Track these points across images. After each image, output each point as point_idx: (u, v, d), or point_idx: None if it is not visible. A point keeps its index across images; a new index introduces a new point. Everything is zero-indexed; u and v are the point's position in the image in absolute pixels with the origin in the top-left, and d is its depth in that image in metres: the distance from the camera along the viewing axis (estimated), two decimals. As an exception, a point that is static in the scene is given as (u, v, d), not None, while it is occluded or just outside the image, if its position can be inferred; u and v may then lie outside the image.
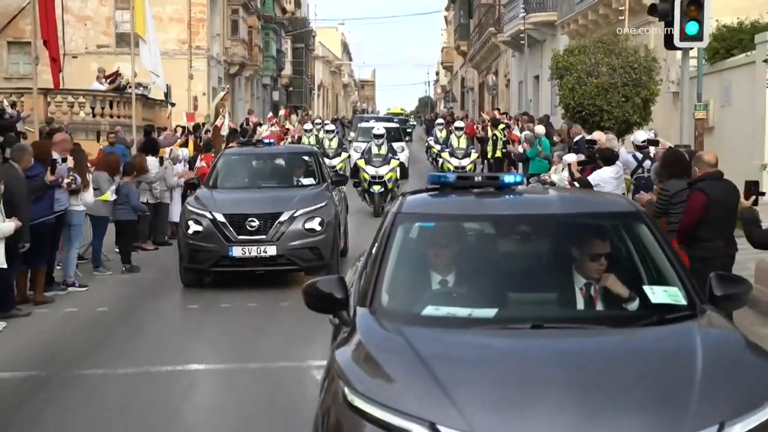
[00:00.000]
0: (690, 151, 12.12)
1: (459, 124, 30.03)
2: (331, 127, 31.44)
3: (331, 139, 29.16)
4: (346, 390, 4.50)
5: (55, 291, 12.59)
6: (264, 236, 12.89)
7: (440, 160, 28.85)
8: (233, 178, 14.83)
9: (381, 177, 22.29)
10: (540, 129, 22.18)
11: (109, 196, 14.05)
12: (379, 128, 24.26)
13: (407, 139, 42.17)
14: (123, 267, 14.40)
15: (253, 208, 13.16)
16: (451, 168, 26.77)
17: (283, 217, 13.02)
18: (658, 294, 5.27)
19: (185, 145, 20.48)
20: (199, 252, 12.96)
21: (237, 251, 12.84)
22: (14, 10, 43.19)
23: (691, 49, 16.15)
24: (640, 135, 14.73)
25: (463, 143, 27.68)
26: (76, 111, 31.10)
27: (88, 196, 13.08)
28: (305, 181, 14.77)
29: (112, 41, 44.57)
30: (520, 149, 22.82)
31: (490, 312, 5.23)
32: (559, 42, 36.02)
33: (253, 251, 12.88)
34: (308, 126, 33.47)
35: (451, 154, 27.36)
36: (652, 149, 13.72)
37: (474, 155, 28.18)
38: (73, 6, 44.12)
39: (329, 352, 5.12)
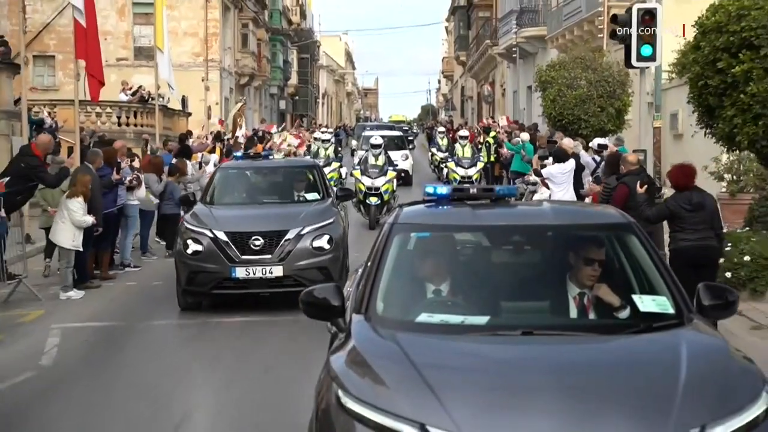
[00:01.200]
0: (624, 155, 14.88)
1: (463, 132, 29.82)
2: (327, 136, 31.66)
3: (326, 149, 29.17)
4: (340, 393, 4.68)
5: (114, 270, 15.35)
6: (269, 256, 12.09)
7: (445, 170, 28.70)
8: (232, 193, 14.11)
9: (377, 189, 21.34)
10: (525, 136, 24.95)
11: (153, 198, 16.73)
12: (377, 138, 23.45)
13: (410, 146, 41.49)
14: (167, 252, 17.12)
15: (256, 225, 12.37)
16: (457, 178, 26.61)
17: (290, 235, 12.23)
18: (647, 303, 5.44)
19: (213, 150, 23.25)
20: (199, 273, 12.12)
21: (240, 272, 12.02)
22: (39, 26, 45.94)
23: (647, 67, 18.84)
24: (596, 141, 17.47)
25: (468, 152, 27.54)
26: (103, 120, 33.83)
27: (141, 192, 15.84)
28: (309, 196, 13.93)
29: (131, 54, 47.24)
30: (506, 151, 25.64)
31: (482, 319, 5.40)
32: (549, 55, 38.71)
33: (258, 272, 12.07)
34: (317, 134, 33.76)
35: (457, 164, 27.30)
36: (605, 152, 16.49)
37: (480, 164, 27.61)
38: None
39: (326, 358, 5.26)
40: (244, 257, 12.03)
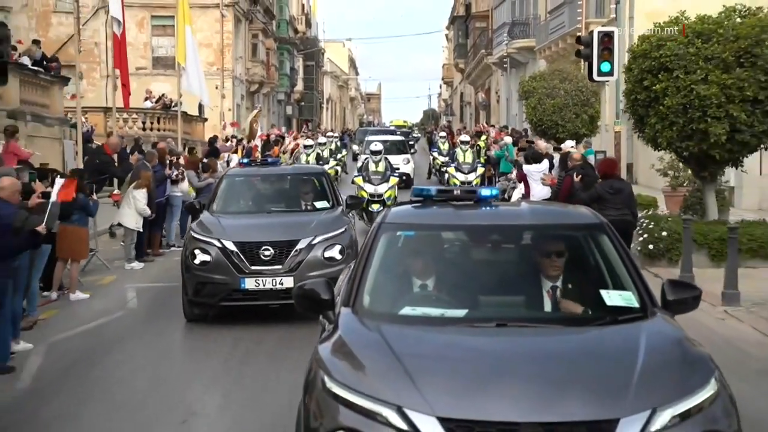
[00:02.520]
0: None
1: (464, 138, 30.27)
2: (323, 139, 33.57)
3: (322, 151, 30.74)
4: (326, 378, 5.06)
5: (162, 249, 18.69)
6: (279, 266, 11.76)
7: (446, 175, 29.19)
8: (239, 201, 13.87)
9: (380, 195, 21.28)
10: (508, 139, 28.31)
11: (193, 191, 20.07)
12: (377, 144, 23.26)
13: (412, 151, 42.61)
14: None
15: (266, 235, 12.03)
16: (457, 183, 26.87)
17: (301, 245, 11.90)
18: (613, 297, 5.82)
19: (235, 152, 26.63)
20: (207, 284, 11.82)
21: (250, 283, 11.70)
22: (64, 38, 49.33)
23: (606, 81, 22.15)
24: (567, 143, 20.78)
25: (468, 158, 27.82)
26: (130, 125, 37.18)
27: (184, 185, 19.20)
28: (318, 204, 13.61)
29: (149, 63, 50.57)
30: (493, 153, 29.00)
31: (460, 312, 5.74)
32: (538, 65, 42.10)
33: (268, 283, 11.72)
34: (309, 141, 32.86)
35: (457, 169, 27.63)
36: (560, 153, 19.85)
37: (481, 170, 27.87)
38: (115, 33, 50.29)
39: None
40: (253, 268, 11.70)
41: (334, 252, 11.93)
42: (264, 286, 11.70)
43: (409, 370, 4.94)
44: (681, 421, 4.73)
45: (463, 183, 26.85)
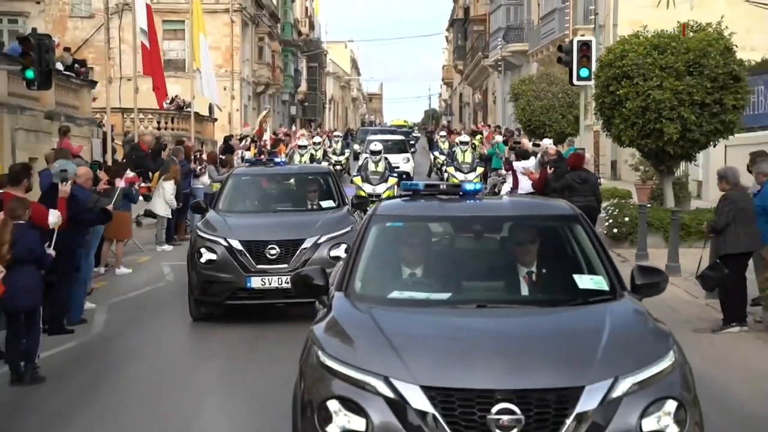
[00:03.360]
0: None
1: (464, 138, 30.93)
2: (318, 139, 34.81)
3: (316, 150, 31.53)
4: (320, 353, 5.54)
5: (186, 235, 21.04)
6: (285, 265, 11.84)
7: (446, 174, 29.46)
8: (245, 201, 14.00)
9: (378, 195, 21.08)
10: (499, 138, 30.62)
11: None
12: (376, 144, 23.32)
13: (412, 150, 43.34)
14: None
15: (272, 234, 12.19)
16: (457, 182, 28.65)
17: (306, 244, 12.06)
18: (585, 281, 6.29)
19: (248, 149, 28.98)
20: (214, 283, 11.96)
21: (256, 282, 11.83)
22: (80, 41, 51.71)
23: (585, 85, 24.44)
24: (545, 141, 23.10)
25: (468, 158, 28.20)
26: (146, 125, 39.53)
27: (205, 179, 21.55)
28: (324, 203, 13.73)
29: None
30: (485, 151, 31.35)
31: (444, 295, 6.24)
32: (531, 67, 44.45)
33: (274, 282, 11.84)
34: (303, 142, 32.32)
35: (456, 169, 27.99)
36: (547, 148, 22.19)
37: (480, 169, 28.11)
38: (128, 37, 52.49)
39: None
40: (259, 266, 11.84)
41: (340, 251, 11.84)
42: (270, 284, 11.81)
43: (395, 345, 5.42)
44: (640, 388, 5.22)
45: (462, 182, 28.24)
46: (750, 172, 12.06)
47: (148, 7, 31.56)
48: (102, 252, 15.88)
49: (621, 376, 5.22)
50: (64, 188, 10.30)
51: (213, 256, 11.96)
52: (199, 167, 20.86)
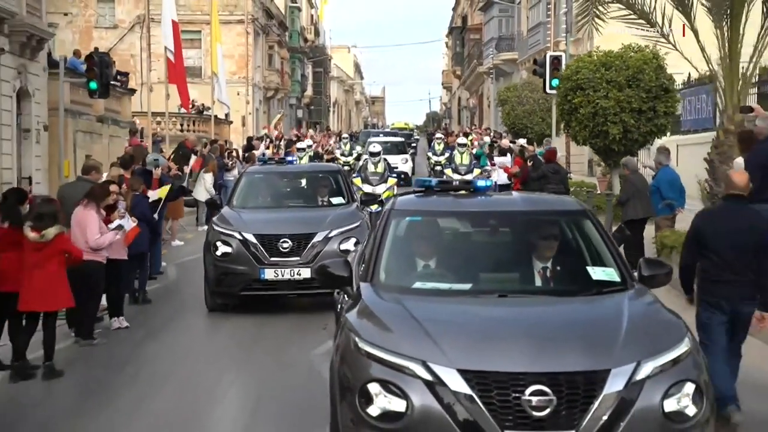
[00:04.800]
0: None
1: (462, 140, 32.04)
2: (309, 142, 35.35)
3: (301, 158, 30.12)
4: (357, 339, 5.91)
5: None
6: (297, 258, 12.45)
7: (443, 176, 29.06)
8: (259, 197, 14.59)
9: (378, 196, 21.30)
10: (486, 138, 34.82)
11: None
12: (375, 146, 24.09)
13: (411, 151, 45.23)
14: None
15: (285, 228, 12.75)
16: None
17: (317, 238, 12.64)
18: (597, 273, 6.70)
19: (267, 147, 33.13)
20: (229, 275, 12.53)
21: (269, 274, 12.41)
22: (104, 50, 55.77)
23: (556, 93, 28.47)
24: (520, 141, 27.27)
25: (465, 160, 28.94)
26: (170, 128, 43.59)
27: (235, 172, 25.67)
28: (334, 200, 14.35)
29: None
30: (475, 151, 35.49)
31: (465, 286, 6.67)
32: (520, 74, 48.56)
33: (286, 274, 12.41)
34: (302, 144, 33.32)
35: (454, 170, 28.53)
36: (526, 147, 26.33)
37: (477, 171, 28.29)
38: (151, 46, 56.84)
39: (336, 321, 6.76)
40: (272, 259, 12.41)
41: (350, 245, 12.44)
42: (282, 276, 12.42)
43: (429, 332, 5.77)
44: (661, 371, 5.58)
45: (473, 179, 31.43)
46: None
47: (174, 24, 35.65)
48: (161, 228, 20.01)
49: (643, 360, 5.61)
50: (157, 172, 14.41)
51: (228, 249, 12.58)
52: (230, 162, 24.99)
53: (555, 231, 6.98)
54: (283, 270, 12.44)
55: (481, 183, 7.37)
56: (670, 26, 14.72)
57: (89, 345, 10.73)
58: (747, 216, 7.96)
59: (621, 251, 7.04)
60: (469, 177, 27.78)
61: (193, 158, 21.90)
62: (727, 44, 13.70)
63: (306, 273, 12.30)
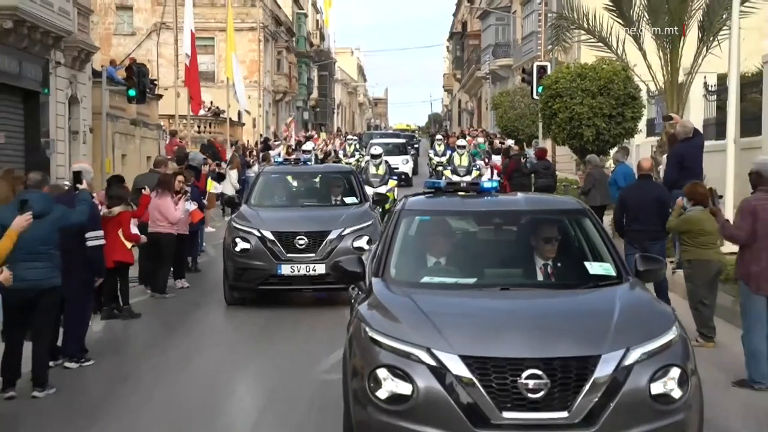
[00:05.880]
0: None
1: (461, 142, 32.90)
2: (311, 144, 35.91)
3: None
4: (367, 329, 6.32)
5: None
6: (313, 254, 13.03)
7: (443, 177, 29.28)
8: (275, 196, 15.11)
9: (387, 196, 21.08)
10: (480, 139, 37.98)
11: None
12: (377, 148, 24.74)
13: (413, 152, 46.44)
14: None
15: (301, 226, 13.30)
16: None
17: (332, 236, 13.20)
18: (595, 267, 7.16)
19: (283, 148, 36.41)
20: (247, 270, 13.12)
21: (286, 269, 12.98)
22: (122, 56, 58.86)
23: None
24: (508, 141, 30.49)
25: (465, 161, 29.66)
26: (188, 129, 46.75)
27: (255, 168, 28.86)
28: (347, 200, 14.86)
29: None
30: (471, 152, 38.67)
31: (470, 280, 7.10)
32: (515, 80, 51.63)
33: (302, 269, 12.99)
34: (308, 146, 34.06)
35: (453, 172, 29.16)
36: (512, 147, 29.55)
37: (475, 173, 29.33)
38: (165, 52, 59.90)
39: (351, 313, 7.15)
40: (289, 255, 13.04)
41: (362, 242, 13.14)
42: (298, 272, 13.08)
43: (434, 322, 6.15)
44: (648, 357, 5.95)
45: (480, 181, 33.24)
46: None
47: (192, 34, 38.79)
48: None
49: (632, 347, 5.97)
50: (205, 169, 17.58)
51: (247, 246, 13.21)
52: (251, 160, 28.21)
53: (556, 230, 7.40)
54: (299, 266, 13.10)
55: (486, 184, 7.87)
56: (623, 48, 17.90)
57: (163, 298, 13.94)
58: (651, 188, 12.11)
59: (616, 246, 7.59)
60: (468, 178, 28.38)
61: (229, 155, 25.12)
62: (669, 65, 16.91)
63: (321, 269, 13.01)
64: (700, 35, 16.88)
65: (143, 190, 13.36)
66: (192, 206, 14.41)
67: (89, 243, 9.79)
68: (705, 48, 17.16)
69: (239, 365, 10.69)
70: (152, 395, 9.33)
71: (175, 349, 11.36)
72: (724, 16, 15.82)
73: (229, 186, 26.10)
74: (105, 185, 13.38)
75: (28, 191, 8.89)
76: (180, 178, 14.52)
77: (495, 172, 28.50)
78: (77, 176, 9.56)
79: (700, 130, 15.67)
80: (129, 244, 12.37)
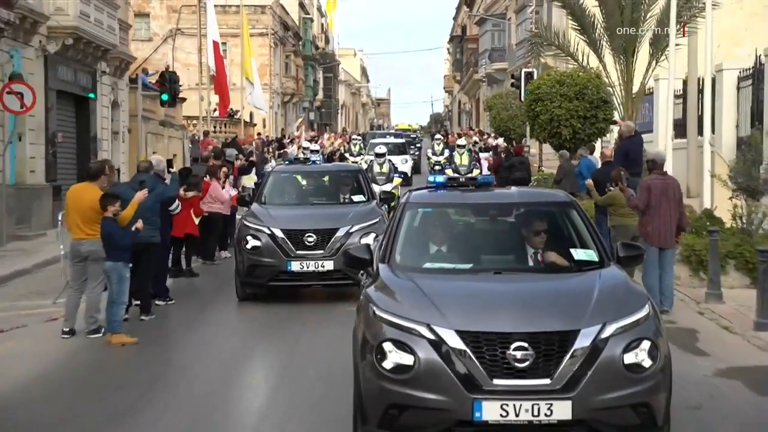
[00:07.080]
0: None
1: (461, 142, 33.87)
2: (316, 146, 36.97)
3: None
4: (374, 308, 6.90)
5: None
6: (321, 251, 13.34)
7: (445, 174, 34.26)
8: (285, 195, 15.41)
9: (393, 194, 20.67)
10: (476, 138, 41.41)
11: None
12: (381, 147, 25.46)
13: (414, 152, 47.44)
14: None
15: (310, 223, 13.59)
16: None
17: (340, 233, 13.53)
18: (579, 254, 7.78)
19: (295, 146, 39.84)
20: (258, 267, 13.41)
21: (295, 266, 13.27)
22: (140, 60, 62.16)
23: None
24: (499, 139, 33.96)
25: (465, 160, 30.81)
26: (205, 129, 50.13)
27: (272, 163, 32.30)
28: (355, 198, 15.19)
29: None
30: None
31: (467, 265, 7.74)
32: (510, 83, 55.01)
33: (311, 266, 13.28)
34: (315, 147, 34.95)
35: (454, 171, 30.01)
36: (499, 144, 33.02)
37: (476, 171, 30.34)
38: (180, 57, 63.29)
39: (360, 296, 7.60)
40: (298, 252, 13.36)
41: (369, 239, 12.91)
42: (307, 268, 13.37)
43: (433, 301, 6.80)
44: (623, 331, 6.60)
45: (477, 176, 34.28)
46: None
47: (215, 44, 42.10)
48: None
49: (608, 322, 6.57)
50: (237, 163, 21.04)
51: (258, 243, 13.51)
52: (268, 156, 31.67)
53: (546, 223, 7.99)
54: (308, 262, 13.43)
55: (483, 179, 8.66)
56: (587, 61, 21.42)
57: (212, 264, 17.50)
58: (612, 170, 14.81)
59: (600, 235, 8.15)
60: (470, 175, 32.42)
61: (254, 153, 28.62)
62: (625, 75, 20.40)
63: (329, 265, 13.36)
64: (651, 51, 20.36)
65: (204, 179, 17.06)
66: (234, 191, 17.94)
67: (173, 211, 13.27)
68: (655, 61, 20.68)
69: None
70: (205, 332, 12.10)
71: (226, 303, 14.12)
72: (668, 38, 19.28)
73: (250, 180, 29.58)
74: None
75: (141, 174, 12.44)
76: (224, 170, 18.05)
77: (487, 165, 31.92)
78: (170, 162, 13.09)
79: (671, 129, 19.15)
80: (197, 220, 15.94)
